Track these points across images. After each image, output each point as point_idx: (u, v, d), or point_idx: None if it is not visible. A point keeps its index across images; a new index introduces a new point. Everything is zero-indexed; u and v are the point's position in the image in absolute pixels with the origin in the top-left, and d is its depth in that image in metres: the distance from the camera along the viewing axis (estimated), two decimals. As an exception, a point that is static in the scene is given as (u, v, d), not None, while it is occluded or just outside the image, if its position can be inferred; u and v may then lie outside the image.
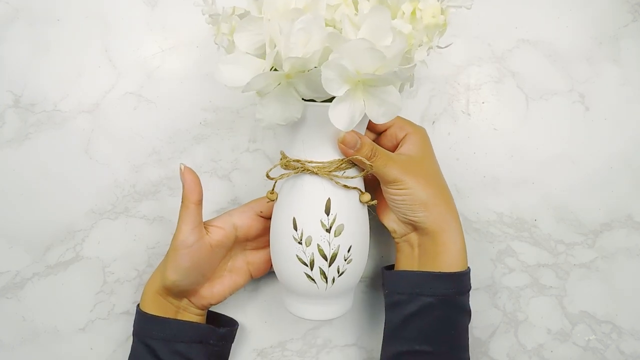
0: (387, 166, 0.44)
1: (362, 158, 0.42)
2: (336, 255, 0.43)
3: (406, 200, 0.44)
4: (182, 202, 0.47)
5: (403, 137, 0.48)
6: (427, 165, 0.47)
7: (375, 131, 0.50)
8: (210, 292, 0.49)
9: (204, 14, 0.42)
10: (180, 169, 0.46)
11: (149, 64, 0.56)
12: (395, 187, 0.44)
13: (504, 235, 0.56)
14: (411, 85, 0.45)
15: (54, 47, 0.55)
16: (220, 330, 0.49)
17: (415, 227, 0.46)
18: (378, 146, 0.44)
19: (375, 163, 0.43)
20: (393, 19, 0.39)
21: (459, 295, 0.45)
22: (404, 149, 0.47)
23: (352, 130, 0.42)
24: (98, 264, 0.55)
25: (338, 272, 0.43)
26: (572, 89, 0.56)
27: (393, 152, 0.47)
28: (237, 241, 0.50)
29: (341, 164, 0.43)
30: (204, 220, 0.48)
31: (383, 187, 0.46)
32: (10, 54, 0.55)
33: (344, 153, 0.43)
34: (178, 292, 0.48)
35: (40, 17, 0.55)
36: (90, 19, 0.55)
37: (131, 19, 0.56)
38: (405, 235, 0.47)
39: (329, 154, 0.43)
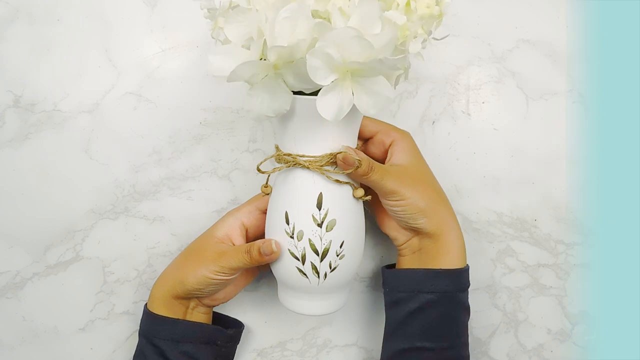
0: (384, 179, 0.44)
1: (359, 176, 0.43)
2: (328, 250, 0.43)
3: (406, 210, 0.45)
4: (253, 252, 0.45)
5: (390, 144, 0.48)
6: (420, 172, 0.48)
7: (362, 138, 0.50)
8: (222, 293, 0.50)
9: (202, 9, 0.42)
10: (273, 247, 0.44)
11: (149, 64, 0.56)
12: (394, 198, 0.45)
13: (503, 235, 0.56)
14: (405, 78, 0.43)
15: (54, 47, 0.55)
16: (228, 331, 0.50)
17: (417, 232, 0.47)
18: (374, 161, 0.44)
19: (372, 177, 0.43)
20: (388, 10, 0.38)
21: (458, 292, 0.46)
22: (394, 159, 0.47)
23: (351, 149, 0.42)
24: (98, 264, 0.55)
25: (330, 267, 0.43)
26: (572, 89, 0.56)
27: (383, 159, 0.48)
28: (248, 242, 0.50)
29: (333, 159, 0.42)
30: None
31: (382, 199, 0.46)
32: (10, 54, 0.55)
33: (342, 169, 0.43)
34: (192, 296, 0.48)
35: (40, 17, 0.55)
36: (90, 19, 0.55)
37: (131, 19, 0.56)
38: (407, 241, 0.48)
39: (320, 148, 0.42)
